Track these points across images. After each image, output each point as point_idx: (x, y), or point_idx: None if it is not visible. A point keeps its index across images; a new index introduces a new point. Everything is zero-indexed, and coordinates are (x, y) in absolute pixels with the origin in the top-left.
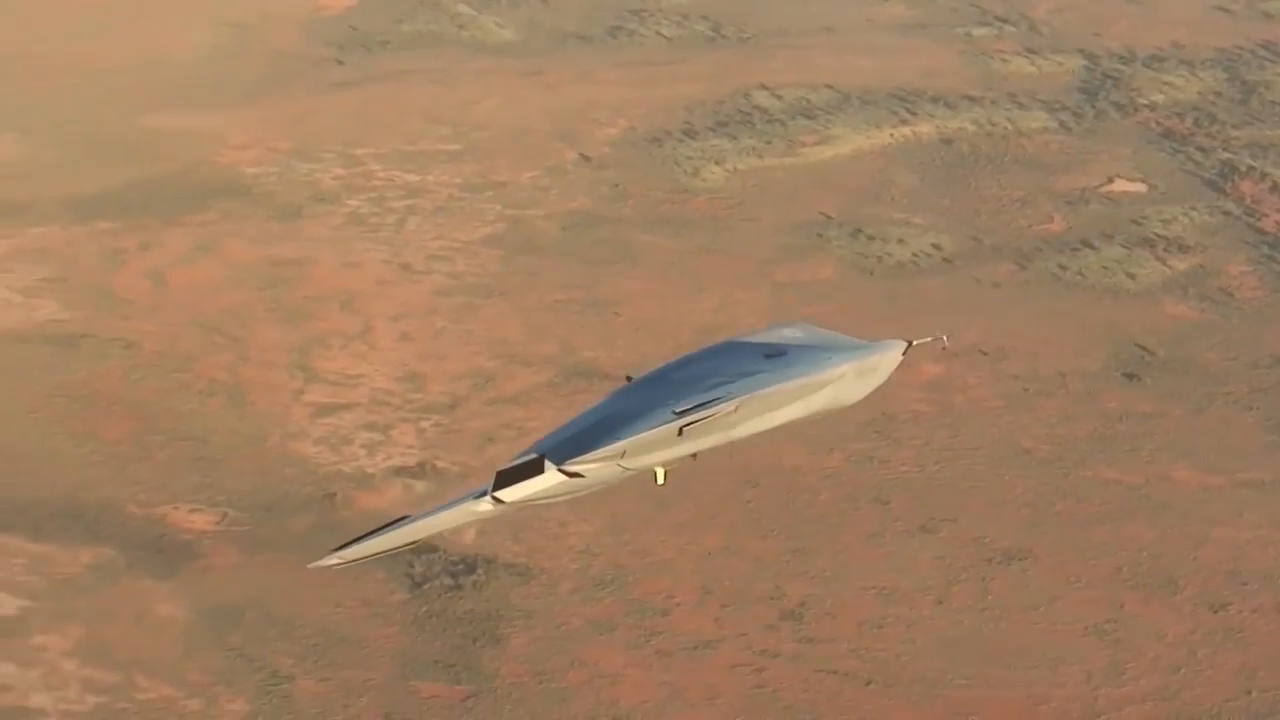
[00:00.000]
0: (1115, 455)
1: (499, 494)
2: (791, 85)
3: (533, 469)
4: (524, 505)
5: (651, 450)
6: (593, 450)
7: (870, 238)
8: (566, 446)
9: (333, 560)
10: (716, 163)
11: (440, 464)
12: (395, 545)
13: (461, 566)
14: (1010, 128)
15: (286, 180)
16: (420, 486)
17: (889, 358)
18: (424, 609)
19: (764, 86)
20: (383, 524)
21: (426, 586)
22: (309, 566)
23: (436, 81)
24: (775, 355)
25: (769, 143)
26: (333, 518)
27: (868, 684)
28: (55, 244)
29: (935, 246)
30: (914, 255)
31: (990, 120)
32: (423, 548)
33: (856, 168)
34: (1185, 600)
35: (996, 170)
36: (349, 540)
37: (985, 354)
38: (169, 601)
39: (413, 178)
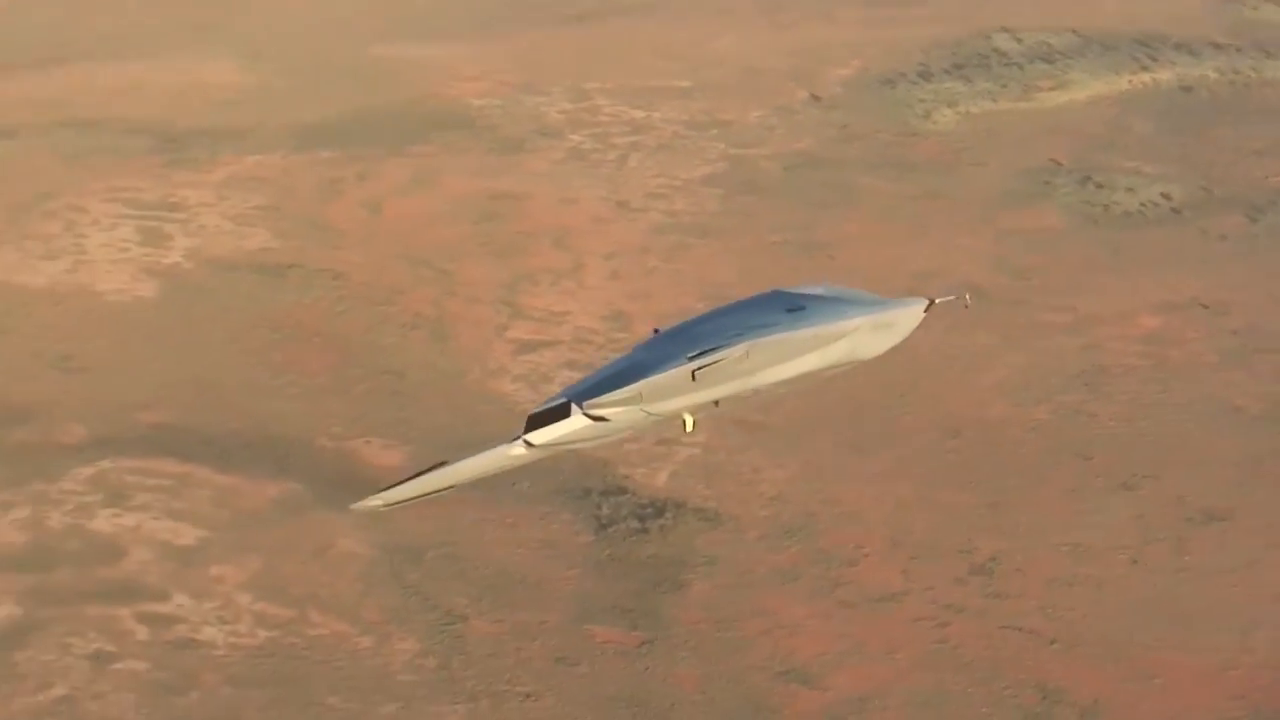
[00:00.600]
0: None
1: (529, 437)
2: (1033, 29)
3: (560, 413)
4: (555, 448)
5: (669, 395)
6: (613, 393)
7: (1099, 186)
8: (591, 391)
9: (375, 502)
10: (949, 106)
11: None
12: (434, 489)
13: (650, 510)
14: (1254, 76)
15: (511, 113)
16: None
17: (909, 314)
18: (607, 552)
19: (1005, 29)
20: (422, 469)
21: (612, 529)
22: (351, 508)
23: (673, 17)
24: (795, 309)
25: (1004, 86)
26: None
27: (1051, 643)
28: (273, 172)
29: (1164, 196)
30: (1142, 205)
31: (1234, 68)
32: (612, 489)
33: (1091, 114)
34: None
35: (1235, 120)
36: (391, 484)
37: (1206, 308)
38: (351, 537)
39: (639, 114)
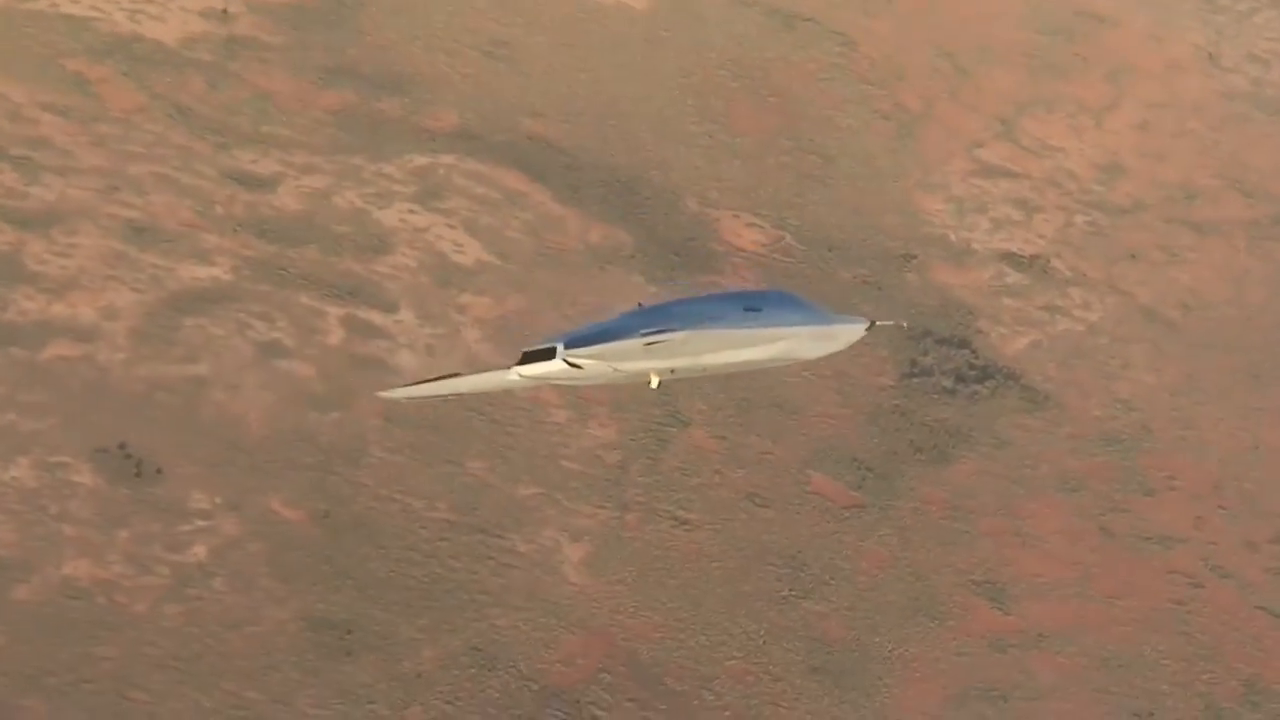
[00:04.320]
0: None
1: (519, 369)
2: None
3: (547, 354)
4: (540, 381)
5: (627, 358)
6: (584, 350)
7: None
8: (573, 343)
9: (397, 394)
10: None
11: (1056, 264)
12: (444, 392)
13: (976, 373)
14: None
15: None
16: (1014, 279)
17: (850, 330)
18: (897, 402)
19: None
20: (439, 375)
21: (918, 381)
22: (377, 394)
23: None
24: (751, 309)
25: None
26: (890, 279)
27: None
28: None
29: None
30: None
31: None
32: (954, 339)
33: None
34: None
35: None
36: (412, 382)
37: None
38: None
39: None
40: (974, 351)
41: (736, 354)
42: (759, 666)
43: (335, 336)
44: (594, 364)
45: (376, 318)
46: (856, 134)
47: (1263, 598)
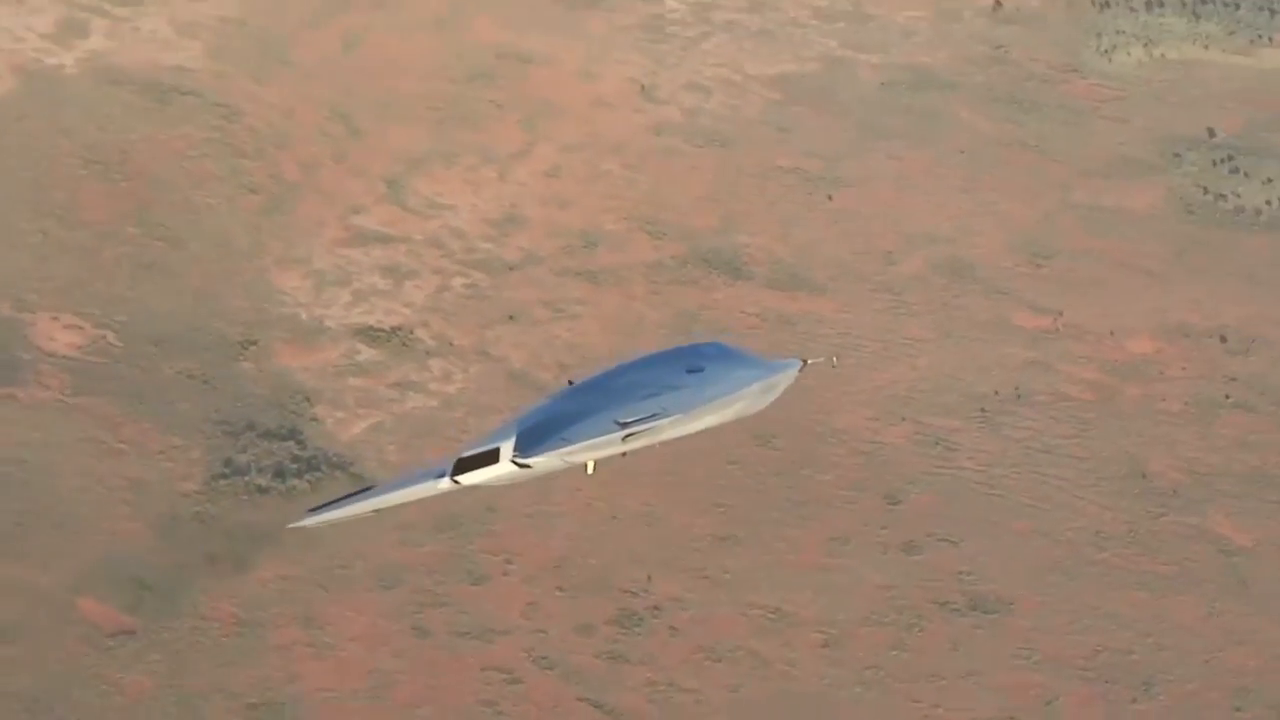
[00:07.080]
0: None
1: (458, 478)
2: None
3: (489, 458)
4: (478, 486)
5: (595, 451)
6: (543, 448)
7: (1233, 170)
8: (521, 441)
9: (308, 521)
10: (1145, 44)
11: (421, 333)
12: (361, 512)
13: (299, 465)
14: None
15: None
16: (366, 356)
17: (787, 376)
18: (199, 509)
19: None
20: (351, 492)
21: (229, 481)
22: (288, 526)
23: None
24: (695, 370)
25: (1232, 33)
26: (226, 370)
27: None
28: None
29: None
30: (1267, 203)
31: None
32: (281, 431)
33: None
34: None
35: None
36: (321, 505)
37: (1224, 341)
38: None
39: None
40: (301, 442)
41: (699, 423)
42: None
43: None
44: (546, 461)
45: None
46: (216, 213)
47: (588, 687)
